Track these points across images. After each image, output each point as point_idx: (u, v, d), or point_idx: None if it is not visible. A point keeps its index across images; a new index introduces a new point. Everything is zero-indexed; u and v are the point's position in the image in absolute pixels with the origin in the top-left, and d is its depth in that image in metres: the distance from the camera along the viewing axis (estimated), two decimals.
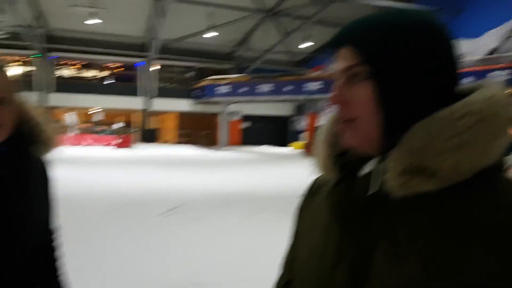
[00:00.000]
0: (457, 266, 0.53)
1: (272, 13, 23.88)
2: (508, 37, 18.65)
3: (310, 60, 30.32)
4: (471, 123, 0.56)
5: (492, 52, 19.14)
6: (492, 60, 18.34)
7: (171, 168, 14.46)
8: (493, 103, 0.57)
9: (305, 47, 26.61)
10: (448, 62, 0.62)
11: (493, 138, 0.56)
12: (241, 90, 24.58)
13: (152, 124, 29.62)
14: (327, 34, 26.23)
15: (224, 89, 25.24)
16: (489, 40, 19.39)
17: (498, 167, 0.59)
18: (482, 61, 18.64)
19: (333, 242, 0.67)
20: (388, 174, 0.60)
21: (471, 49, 19.81)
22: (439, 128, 0.57)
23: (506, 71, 16.02)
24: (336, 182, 0.72)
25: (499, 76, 16.00)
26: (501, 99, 0.58)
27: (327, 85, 21.16)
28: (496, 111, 0.57)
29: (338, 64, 0.66)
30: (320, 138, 0.78)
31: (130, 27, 25.37)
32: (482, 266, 0.51)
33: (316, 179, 0.84)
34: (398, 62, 0.60)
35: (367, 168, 0.66)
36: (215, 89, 25.57)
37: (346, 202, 0.66)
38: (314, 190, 0.83)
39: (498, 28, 19.05)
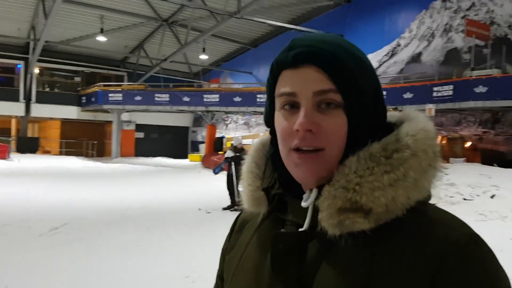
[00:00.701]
0: None
1: (169, 23, 23.52)
2: (385, 61, 20.75)
3: (208, 72, 30.46)
4: (403, 159, 0.57)
5: None
6: None
7: (57, 182, 13.28)
8: (422, 138, 0.59)
9: (203, 59, 26.65)
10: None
11: (424, 172, 0.58)
12: (136, 99, 23.68)
13: (33, 132, 27.01)
14: (222, 47, 26.67)
15: (117, 97, 24.07)
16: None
17: (428, 199, 0.61)
18: None
19: (265, 283, 0.62)
20: (321, 213, 0.58)
21: None
22: (373, 164, 0.57)
23: (385, 92, 17.72)
24: (265, 217, 0.69)
25: None
26: (430, 133, 0.60)
27: (225, 98, 21.40)
28: (426, 145, 0.59)
29: (302, 84, 0.61)
30: (246, 168, 0.74)
31: (12, 26, 22.98)
32: (409, 279, 0.53)
33: (240, 215, 0.80)
34: (364, 96, 0.61)
35: (308, 200, 0.63)
36: (107, 96, 24.25)
37: (277, 238, 0.61)
38: (239, 227, 0.78)
39: (377, 52, 21.09)
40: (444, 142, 16.41)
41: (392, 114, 0.68)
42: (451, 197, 10.25)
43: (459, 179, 11.08)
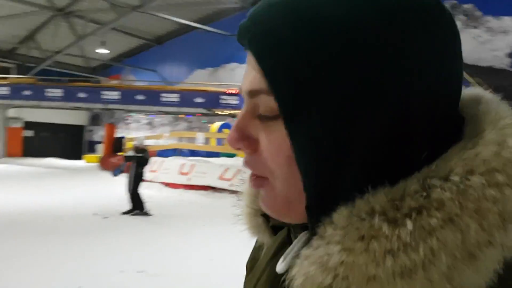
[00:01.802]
0: None
1: (64, 13, 21.71)
2: None
3: (108, 68, 28.81)
4: (429, 229, 0.31)
5: None
6: None
7: None
8: (478, 184, 0.31)
9: (102, 54, 25.09)
10: (429, 83, 0.34)
11: (471, 256, 0.31)
12: (24, 93, 21.40)
13: None
14: (124, 42, 25.44)
15: (2, 91, 21.58)
16: None
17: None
18: None
19: None
20: None
21: None
22: (370, 231, 0.32)
23: None
24: (279, 245, 0.50)
25: None
26: (503, 170, 0.31)
27: (127, 95, 20.32)
28: (482, 202, 0.31)
29: (243, 77, 0.41)
30: (245, 185, 0.53)
31: None
32: None
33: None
34: (336, 95, 0.34)
35: (278, 266, 0.43)
36: None
37: None
38: (258, 245, 0.59)
39: None
40: None
41: (468, 98, 0.39)
42: None
43: None
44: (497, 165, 0.32)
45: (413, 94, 0.33)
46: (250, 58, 0.39)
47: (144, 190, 8.85)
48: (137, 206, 8.56)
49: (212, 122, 20.79)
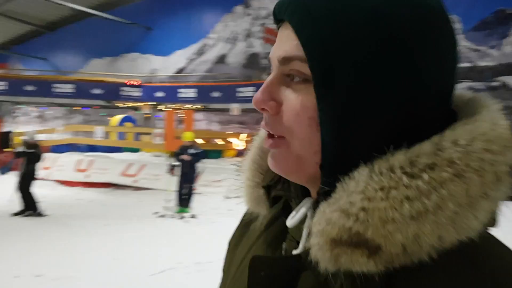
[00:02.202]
0: None
1: None
2: (193, 59, 21.18)
3: None
4: (440, 181, 0.38)
5: (180, 71, 21.31)
6: (180, 78, 20.39)
7: None
8: (480, 149, 0.39)
9: None
10: (438, 74, 0.42)
11: (472, 205, 0.38)
12: None
13: None
14: (12, 29, 23.09)
15: None
16: (178, 59, 21.52)
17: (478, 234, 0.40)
18: (172, 77, 20.49)
19: None
20: (313, 239, 0.42)
21: (162, 66, 21.52)
22: (391, 183, 0.38)
23: (193, 90, 18.04)
24: (269, 221, 0.57)
25: (187, 93, 17.88)
26: (496, 141, 0.40)
27: (14, 86, 18.42)
28: (484, 162, 0.38)
29: (274, 47, 0.47)
30: (249, 157, 0.59)
31: None
32: None
33: (249, 210, 0.63)
34: (351, 68, 0.40)
35: (295, 216, 0.49)
36: None
37: (256, 264, 0.49)
38: (247, 221, 0.63)
39: (185, 49, 21.35)
40: (248, 139, 17.63)
41: (460, 96, 0.47)
42: None
43: None
44: (492, 137, 0.39)
45: (431, 82, 0.41)
46: (285, 29, 0.45)
47: (36, 189, 8.16)
48: (30, 207, 7.87)
49: (112, 115, 19.81)
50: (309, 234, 0.44)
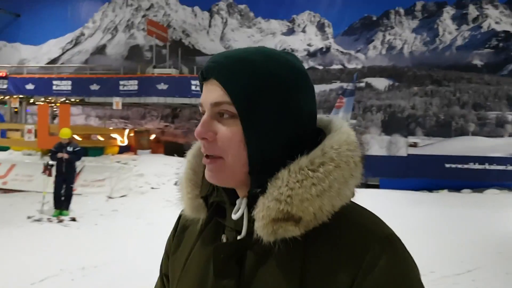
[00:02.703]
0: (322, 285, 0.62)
1: None
2: (69, 49, 19.69)
3: None
4: (328, 171, 0.63)
5: (53, 61, 19.64)
6: (54, 69, 18.80)
7: None
8: (345, 150, 0.65)
9: None
10: (306, 108, 0.68)
11: (346, 182, 0.64)
12: None
13: None
14: None
15: None
16: (51, 49, 19.81)
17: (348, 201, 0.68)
18: (45, 69, 18.79)
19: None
20: (257, 223, 0.64)
21: (32, 56, 19.60)
22: (302, 177, 0.63)
23: (66, 82, 16.77)
24: (206, 222, 0.74)
25: (61, 85, 16.56)
26: (352, 144, 0.66)
27: None
28: (348, 157, 0.65)
29: (205, 96, 0.68)
30: (184, 176, 0.77)
31: None
32: (336, 277, 0.62)
33: (181, 217, 0.83)
34: (263, 107, 0.64)
35: (238, 211, 0.69)
36: None
37: (218, 249, 0.68)
38: (181, 229, 0.82)
39: (60, 38, 19.76)
40: (132, 134, 17.01)
41: (321, 118, 0.73)
42: (141, 187, 10.77)
43: (146, 169, 11.76)
44: (350, 142, 0.66)
45: (304, 111, 0.67)
46: (210, 84, 0.66)
47: None
48: None
49: None
50: (248, 222, 0.66)
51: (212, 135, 0.66)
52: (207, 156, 0.67)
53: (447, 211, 9.42)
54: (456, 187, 12.86)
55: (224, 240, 0.70)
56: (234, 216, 0.68)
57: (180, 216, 0.84)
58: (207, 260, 0.70)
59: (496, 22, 36.51)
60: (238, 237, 0.68)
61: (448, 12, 37.29)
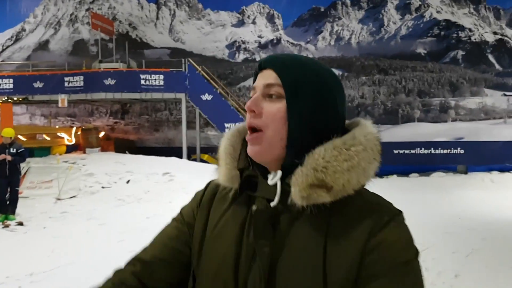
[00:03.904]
0: (343, 250, 0.73)
1: None
2: (9, 45, 18.64)
3: None
4: (358, 151, 0.76)
5: None
6: None
7: None
8: (371, 139, 0.79)
9: None
10: (340, 107, 0.83)
11: (370, 163, 0.78)
12: None
13: None
14: None
15: None
16: None
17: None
18: None
19: (244, 249, 0.80)
20: (294, 188, 0.75)
21: None
22: (336, 153, 0.75)
23: (7, 80, 15.88)
24: (237, 194, 0.86)
25: (2, 84, 15.67)
26: (376, 136, 0.81)
27: None
28: (373, 144, 0.79)
29: (259, 80, 0.83)
30: (224, 150, 0.90)
31: None
32: (355, 246, 0.73)
33: (209, 187, 0.95)
34: (306, 94, 0.79)
35: (274, 178, 0.80)
36: None
37: (257, 214, 0.79)
38: (210, 195, 0.93)
39: None
40: (79, 133, 16.37)
41: (349, 122, 0.86)
42: (91, 187, 10.40)
43: (97, 168, 11.36)
44: (374, 133, 0.80)
45: (338, 109, 0.82)
46: (266, 71, 0.82)
47: None
48: None
49: None
50: (282, 190, 0.78)
51: (260, 109, 0.80)
52: (250, 132, 0.81)
53: (397, 195, 9.72)
54: (404, 172, 13.43)
55: (255, 209, 0.80)
56: (271, 182, 0.80)
57: (207, 185, 0.96)
58: (242, 224, 0.82)
59: (438, 12, 38.26)
60: (272, 204, 0.79)
61: (392, 2, 38.61)
